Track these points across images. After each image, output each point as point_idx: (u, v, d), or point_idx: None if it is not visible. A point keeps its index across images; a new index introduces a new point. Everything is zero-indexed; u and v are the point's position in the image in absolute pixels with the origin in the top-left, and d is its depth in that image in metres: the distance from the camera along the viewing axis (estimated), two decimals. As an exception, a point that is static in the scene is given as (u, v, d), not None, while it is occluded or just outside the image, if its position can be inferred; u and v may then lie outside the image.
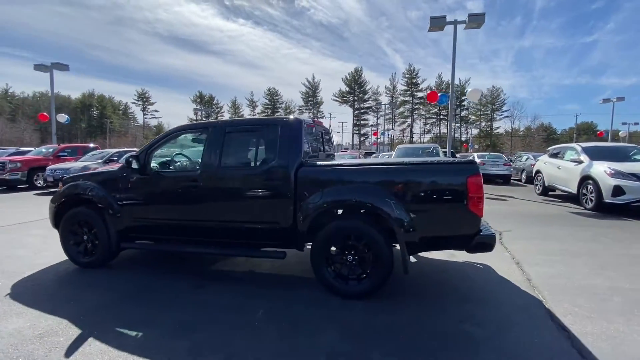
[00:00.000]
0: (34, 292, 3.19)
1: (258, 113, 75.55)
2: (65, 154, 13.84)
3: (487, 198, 9.61)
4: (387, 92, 69.49)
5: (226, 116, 79.37)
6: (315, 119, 4.12)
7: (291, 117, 3.50)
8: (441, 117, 68.73)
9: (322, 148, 4.23)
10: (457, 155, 28.86)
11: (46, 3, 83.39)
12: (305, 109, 72.22)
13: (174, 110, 33.03)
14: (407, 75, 67.94)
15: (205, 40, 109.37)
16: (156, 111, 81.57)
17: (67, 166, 11.34)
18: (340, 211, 3.19)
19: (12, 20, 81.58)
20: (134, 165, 3.58)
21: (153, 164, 3.82)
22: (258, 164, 3.49)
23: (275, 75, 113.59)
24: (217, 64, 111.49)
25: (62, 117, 18.59)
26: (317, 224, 3.08)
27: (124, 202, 3.69)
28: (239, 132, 3.54)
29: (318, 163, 3.31)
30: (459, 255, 4.22)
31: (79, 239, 3.86)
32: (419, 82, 66.87)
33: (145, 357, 2.13)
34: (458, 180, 2.79)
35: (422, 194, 2.89)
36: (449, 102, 13.28)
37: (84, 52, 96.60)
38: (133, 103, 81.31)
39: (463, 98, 62.70)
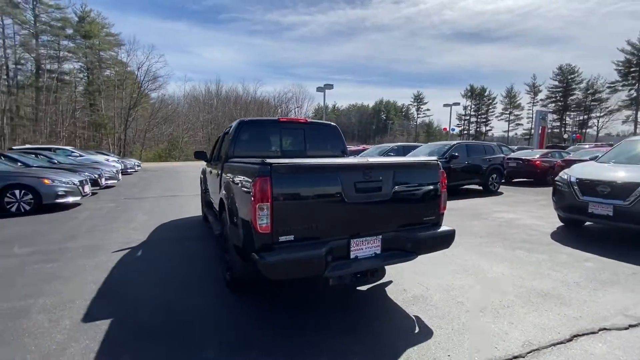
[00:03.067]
0: (164, 226, 5.98)
1: (541, 100, 61.45)
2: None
3: None
4: None
5: (498, 108, 70.91)
6: (286, 118, 4.21)
7: (243, 119, 4.02)
8: None
9: (304, 146, 4.22)
10: None
11: (363, 33, 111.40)
12: (622, 86, 49.91)
13: (446, 108, 33.70)
14: None
15: (490, 27, 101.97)
16: (428, 110, 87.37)
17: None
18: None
19: (344, 54, 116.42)
20: (206, 157, 5.51)
21: None
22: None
23: (583, 46, 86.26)
24: (501, 50, 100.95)
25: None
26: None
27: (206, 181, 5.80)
28: (227, 133, 4.49)
29: (232, 159, 3.65)
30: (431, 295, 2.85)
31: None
32: None
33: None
34: (249, 183, 2.32)
35: (234, 195, 2.69)
36: None
37: (387, 67, 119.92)
38: (409, 104, 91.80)
39: None
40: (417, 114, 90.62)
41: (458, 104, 34.11)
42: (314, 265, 2.25)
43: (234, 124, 4.03)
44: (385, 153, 12.29)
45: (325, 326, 2.57)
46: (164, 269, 3.83)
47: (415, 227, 2.79)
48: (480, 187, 10.49)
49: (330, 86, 25.07)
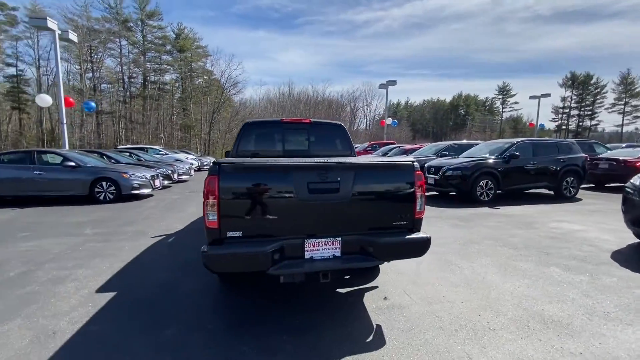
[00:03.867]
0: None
1: (673, 85, 49.15)
2: (370, 148, 19.05)
3: None
4: None
5: (609, 98, 58.99)
6: (290, 118, 4.29)
7: (248, 120, 4.26)
8: None
9: (307, 146, 4.28)
10: None
11: (442, 24, 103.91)
12: None
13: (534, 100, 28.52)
14: None
15: (602, 2, 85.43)
16: (516, 103, 77.44)
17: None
18: None
19: (420, 47, 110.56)
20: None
21: None
22: None
23: None
24: (615, 28, 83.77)
25: (389, 121, 24.73)
26: None
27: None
28: None
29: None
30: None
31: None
32: None
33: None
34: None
35: None
36: None
37: (468, 58, 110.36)
38: (494, 98, 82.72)
39: None
40: (503, 108, 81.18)
41: (548, 94, 29.32)
42: (257, 261, 2.33)
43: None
44: (440, 152, 11.44)
45: (276, 323, 2.63)
46: (180, 255, 4.32)
47: (383, 232, 2.64)
48: (552, 192, 9.03)
49: (393, 82, 24.17)
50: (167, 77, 47.85)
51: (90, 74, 40.04)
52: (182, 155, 18.92)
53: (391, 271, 3.68)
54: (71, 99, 14.79)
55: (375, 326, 2.57)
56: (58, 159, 8.75)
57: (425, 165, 9.54)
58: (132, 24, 41.95)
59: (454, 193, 8.86)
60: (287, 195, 2.45)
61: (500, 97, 79.94)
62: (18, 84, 38.48)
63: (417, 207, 2.69)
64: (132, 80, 44.87)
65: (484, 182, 8.10)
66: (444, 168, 8.49)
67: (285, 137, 4.27)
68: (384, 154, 15.60)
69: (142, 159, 13.57)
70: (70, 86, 38.36)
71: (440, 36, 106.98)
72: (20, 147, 31.02)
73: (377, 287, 3.31)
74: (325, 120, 4.64)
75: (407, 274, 3.61)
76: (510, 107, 79.40)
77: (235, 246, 2.36)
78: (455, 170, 8.23)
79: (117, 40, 41.23)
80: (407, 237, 2.60)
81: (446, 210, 7.26)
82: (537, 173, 8.56)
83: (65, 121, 13.86)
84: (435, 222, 6.05)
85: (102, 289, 3.25)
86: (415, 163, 2.72)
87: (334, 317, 2.73)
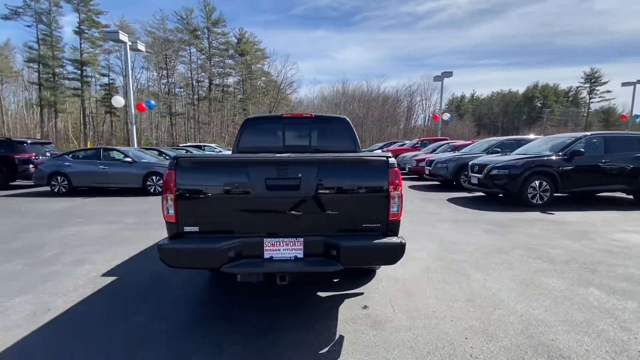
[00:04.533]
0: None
1: None
2: (420, 145, 17.99)
3: None
4: None
5: None
6: (291, 113, 4.15)
7: (249, 117, 4.24)
8: None
9: (309, 141, 4.12)
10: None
11: (515, 7, 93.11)
12: None
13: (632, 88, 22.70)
14: None
15: None
16: (607, 92, 66.05)
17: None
18: None
19: (488, 36, 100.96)
20: None
21: None
22: None
23: None
24: None
25: (446, 116, 23.07)
26: None
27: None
28: None
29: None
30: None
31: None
32: None
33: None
34: None
35: None
36: None
37: (546, 43, 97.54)
38: (579, 87, 71.94)
39: None
40: (590, 98, 70.13)
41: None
42: (209, 258, 2.29)
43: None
44: (491, 149, 10.27)
45: (239, 321, 2.57)
46: (190, 246, 4.53)
47: (351, 234, 2.39)
48: (631, 197, 7.47)
49: (449, 74, 22.44)
50: (230, 80, 51.37)
51: (165, 80, 44.86)
52: (234, 153, 20.14)
53: (386, 277, 3.37)
54: (143, 104, 16.68)
55: (338, 337, 2.35)
56: (120, 155, 9.93)
57: (470, 163, 8.65)
58: (199, 32, 45.85)
59: (502, 195, 7.87)
60: (244, 191, 2.36)
61: (588, 85, 69.18)
62: (110, 91, 44.76)
63: (392, 209, 2.37)
64: (199, 83, 49.10)
65: (537, 182, 7.02)
66: (488, 166, 7.58)
67: (287, 133, 4.18)
68: (433, 151, 14.58)
69: (195, 155, 14.72)
70: (150, 91, 43.50)
71: (511, 22, 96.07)
72: (111, 145, 36.25)
73: (362, 293, 3.04)
74: (329, 115, 4.44)
75: (403, 282, 3.27)
76: (600, 97, 68.21)
77: (189, 241, 2.36)
78: (502, 168, 7.28)
79: (187, 47, 45.48)
80: (374, 241, 2.31)
81: (485, 213, 6.46)
82: (609, 173, 7.13)
83: (134, 122, 15.70)
84: (466, 227, 5.42)
85: (107, 273, 3.55)
86: (391, 159, 2.41)
87: (302, 321, 2.57)
